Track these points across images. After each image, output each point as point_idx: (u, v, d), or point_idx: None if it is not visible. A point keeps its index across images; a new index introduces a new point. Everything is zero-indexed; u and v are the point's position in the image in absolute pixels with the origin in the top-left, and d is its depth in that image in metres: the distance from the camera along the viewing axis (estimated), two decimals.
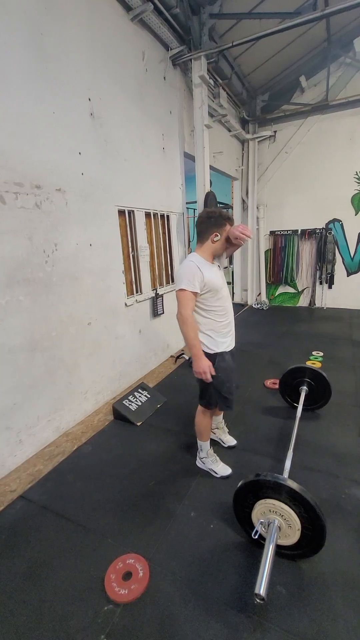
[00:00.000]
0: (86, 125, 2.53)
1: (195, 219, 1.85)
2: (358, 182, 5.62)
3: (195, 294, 1.74)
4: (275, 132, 5.96)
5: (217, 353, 1.88)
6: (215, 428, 2.35)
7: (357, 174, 5.59)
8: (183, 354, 4.04)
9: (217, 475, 2.09)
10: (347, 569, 1.49)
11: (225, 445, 2.34)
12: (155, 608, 1.36)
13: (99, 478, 2.14)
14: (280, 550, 1.49)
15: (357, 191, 5.65)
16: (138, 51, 3.01)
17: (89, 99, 2.53)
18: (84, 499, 1.97)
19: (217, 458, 2.14)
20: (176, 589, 1.43)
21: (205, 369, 1.75)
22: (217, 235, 1.78)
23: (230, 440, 2.37)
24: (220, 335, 1.88)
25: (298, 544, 1.46)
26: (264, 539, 1.44)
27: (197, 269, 1.72)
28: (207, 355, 1.85)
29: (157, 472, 2.16)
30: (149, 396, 2.95)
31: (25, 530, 1.76)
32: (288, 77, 5.56)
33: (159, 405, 2.92)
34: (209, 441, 2.12)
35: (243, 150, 6.19)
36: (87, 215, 2.61)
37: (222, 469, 2.10)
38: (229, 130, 5.32)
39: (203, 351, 1.82)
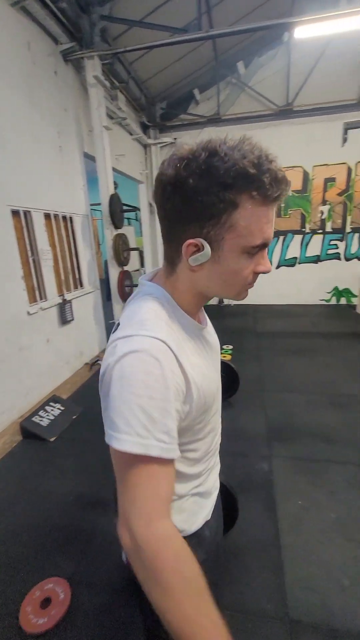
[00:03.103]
0: None
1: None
2: None
3: (170, 460, 0.52)
4: (175, 139, 6.23)
5: (191, 535, 0.73)
6: None
7: None
8: (99, 360, 3.92)
9: None
10: (259, 535, 1.66)
11: None
12: (78, 628, 1.29)
13: (10, 506, 1.92)
14: None
15: None
16: (23, 41, 2.80)
17: None
18: None
19: None
20: (100, 602, 1.39)
21: None
22: (197, 248, 0.54)
23: None
24: (200, 496, 0.75)
25: None
26: None
27: (169, 367, 0.52)
28: None
29: (75, 486, 2.05)
30: (62, 408, 2.77)
31: None
32: (183, 89, 5.88)
33: (74, 417, 2.77)
34: None
35: (146, 154, 6.31)
36: None
37: None
38: (131, 134, 5.36)
39: None
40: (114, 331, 0.59)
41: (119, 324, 0.59)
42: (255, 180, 0.48)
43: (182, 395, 0.55)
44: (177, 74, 5.36)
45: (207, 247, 0.53)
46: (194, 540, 0.72)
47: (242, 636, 1.26)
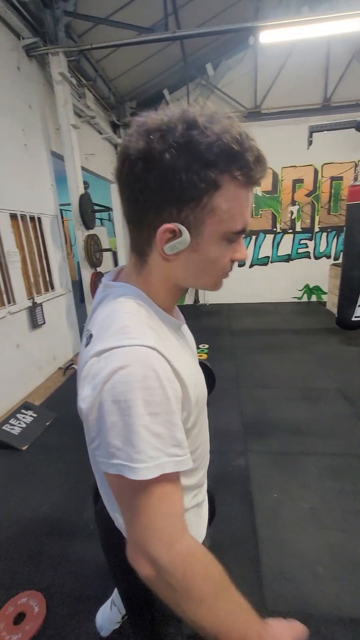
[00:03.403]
0: None
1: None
2: None
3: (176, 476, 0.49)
4: None
5: None
6: None
7: None
8: (72, 364, 3.83)
9: None
10: (236, 530, 1.69)
11: None
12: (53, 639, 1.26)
13: None
14: None
15: None
16: None
17: None
18: None
19: None
20: (78, 612, 1.35)
21: None
22: (174, 234, 0.48)
23: None
24: (199, 506, 0.72)
25: None
26: None
27: (166, 376, 0.47)
28: None
29: (49, 495, 1.99)
30: (35, 415, 2.68)
31: None
32: (153, 88, 5.86)
33: (47, 423, 2.69)
34: None
35: (117, 154, 6.23)
36: None
37: None
38: (100, 133, 5.28)
39: None
40: (87, 343, 0.52)
41: (91, 335, 0.52)
42: (239, 158, 0.44)
43: (180, 402, 0.50)
44: (146, 74, 5.34)
45: (186, 233, 0.47)
46: None
47: None
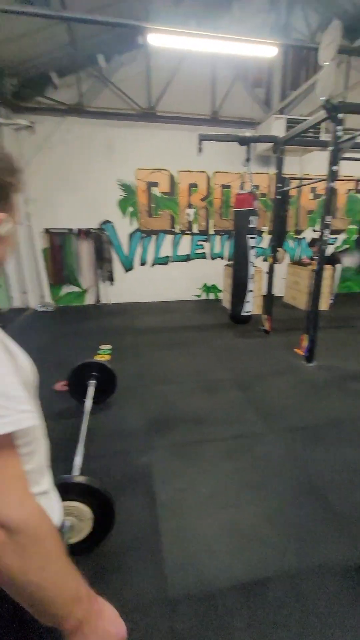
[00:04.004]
0: None
1: None
2: (121, 189, 6.27)
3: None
4: (33, 123, 5.65)
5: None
6: None
7: (119, 181, 6.22)
8: None
9: None
10: (138, 529, 1.67)
11: None
12: None
13: None
14: (75, 548, 1.47)
15: (121, 197, 6.32)
16: None
17: None
18: None
19: None
20: None
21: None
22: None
23: None
24: (48, 494, 0.68)
25: (92, 532, 1.48)
26: None
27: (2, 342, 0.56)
28: None
29: None
30: None
31: None
32: (39, 68, 5.35)
33: None
34: None
35: None
36: None
37: None
38: None
39: None
40: None
41: None
42: (13, 173, 0.61)
43: (13, 370, 0.55)
44: (29, 50, 4.84)
45: (7, 221, 0.60)
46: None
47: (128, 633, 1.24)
